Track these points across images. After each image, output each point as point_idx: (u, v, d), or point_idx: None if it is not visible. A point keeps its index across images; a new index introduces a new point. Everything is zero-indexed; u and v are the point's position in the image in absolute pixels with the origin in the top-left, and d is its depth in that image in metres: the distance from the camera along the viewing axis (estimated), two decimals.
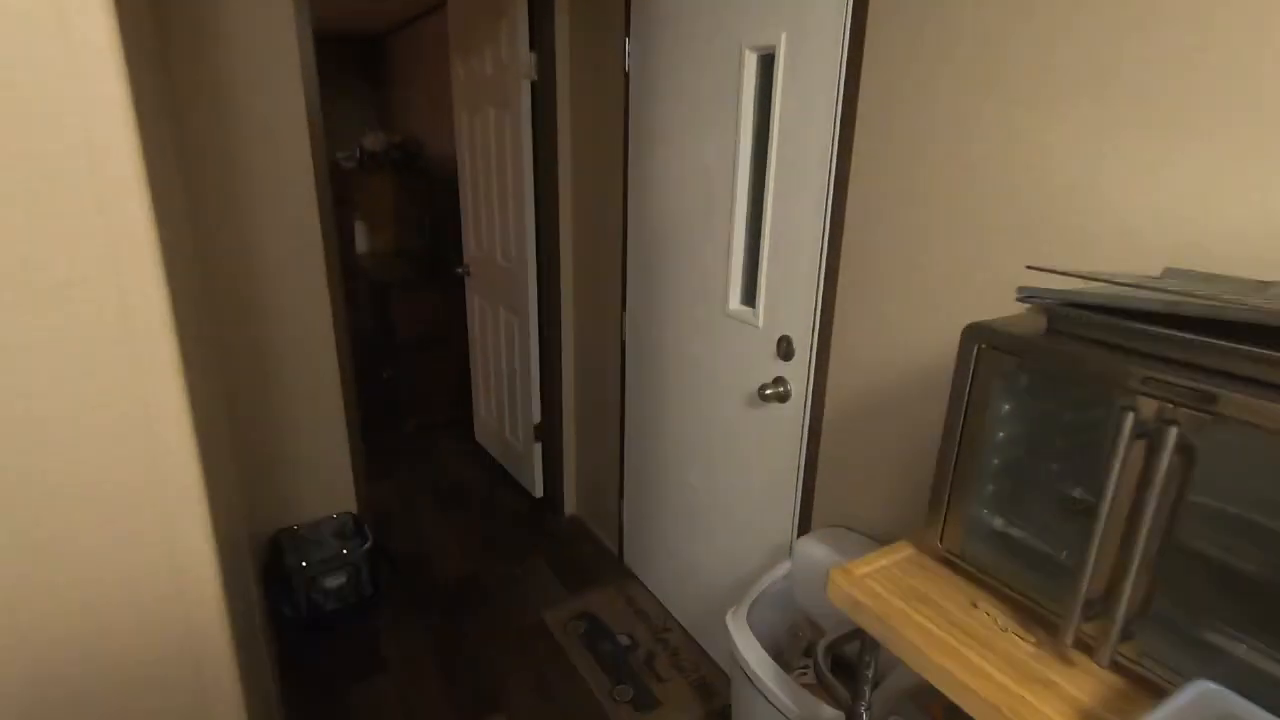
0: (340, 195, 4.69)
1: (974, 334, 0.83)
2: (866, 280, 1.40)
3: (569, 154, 2.46)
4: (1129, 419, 0.64)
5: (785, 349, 1.62)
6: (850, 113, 1.36)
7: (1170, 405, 0.64)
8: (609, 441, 2.53)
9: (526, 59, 2.38)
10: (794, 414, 1.63)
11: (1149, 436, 0.65)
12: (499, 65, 2.55)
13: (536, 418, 2.84)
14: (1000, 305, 1.17)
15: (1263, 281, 0.78)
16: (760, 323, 1.68)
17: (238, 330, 2.08)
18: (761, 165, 1.62)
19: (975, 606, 0.87)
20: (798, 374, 1.60)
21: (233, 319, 2.07)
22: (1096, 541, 0.69)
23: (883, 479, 1.45)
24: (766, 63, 1.57)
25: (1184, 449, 0.63)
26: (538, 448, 2.89)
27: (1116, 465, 0.66)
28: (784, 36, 1.47)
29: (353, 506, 2.44)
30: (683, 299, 1.95)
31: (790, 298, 1.58)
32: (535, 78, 2.40)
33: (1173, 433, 0.62)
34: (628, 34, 2.01)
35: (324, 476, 2.36)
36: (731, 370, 1.81)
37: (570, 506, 2.91)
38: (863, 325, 1.43)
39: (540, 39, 2.34)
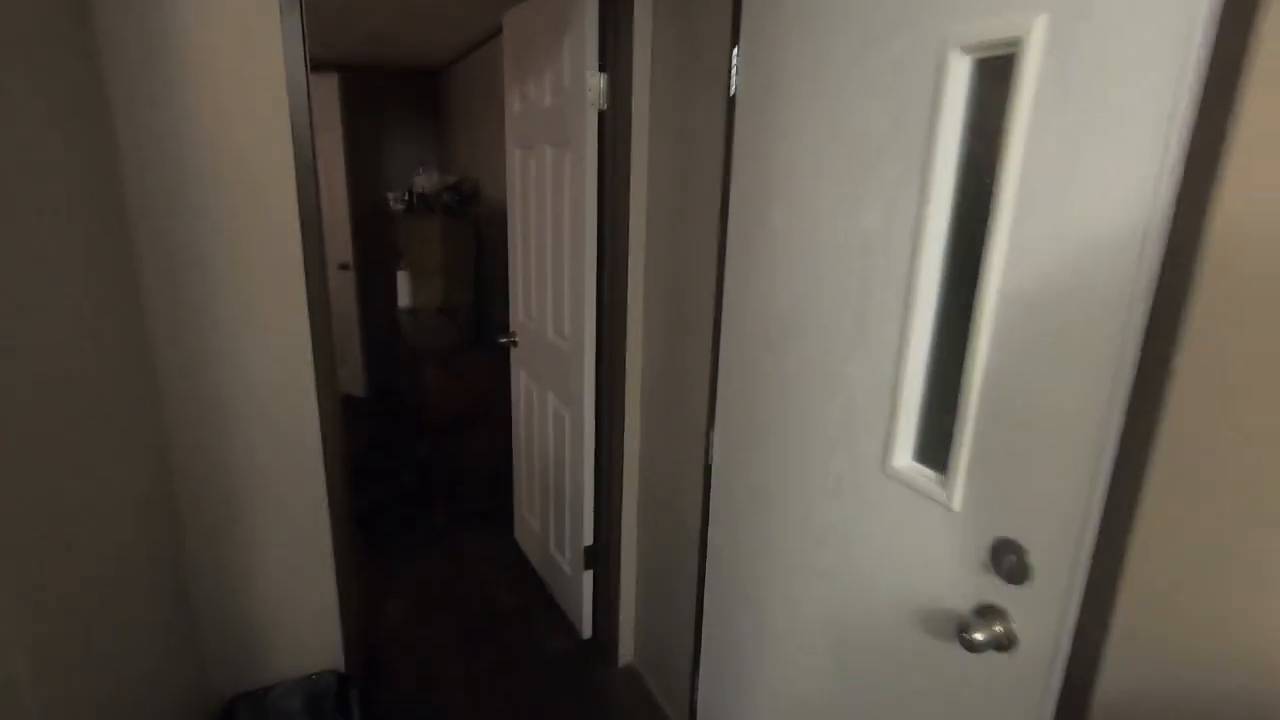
0: (384, 241, 4.27)
1: None
2: (1221, 457, 0.71)
3: (643, 209, 1.86)
4: None
5: (1009, 562, 0.92)
6: (1211, 153, 0.69)
7: None
8: (682, 589, 1.87)
9: (594, 83, 1.82)
10: (1023, 677, 0.93)
11: None
12: (559, 93, 2.00)
13: (589, 539, 2.20)
14: None
15: None
16: (956, 503, 1.00)
17: (189, 425, 1.55)
18: (971, 242, 0.96)
19: None
20: (1035, 609, 0.90)
21: (183, 416, 1.54)
22: None
23: None
24: (995, 72, 0.92)
25: None
26: (588, 576, 2.24)
27: None
28: (1042, 21, 0.83)
29: (339, 662, 1.85)
30: (810, 435, 1.29)
31: (1027, 470, 0.90)
32: (604, 107, 1.83)
33: None
34: (735, 44, 1.41)
35: (300, 623, 1.78)
36: (893, 567, 1.12)
37: (626, 654, 2.24)
38: (1205, 555, 0.73)
39: (614, 58, 1.77)
